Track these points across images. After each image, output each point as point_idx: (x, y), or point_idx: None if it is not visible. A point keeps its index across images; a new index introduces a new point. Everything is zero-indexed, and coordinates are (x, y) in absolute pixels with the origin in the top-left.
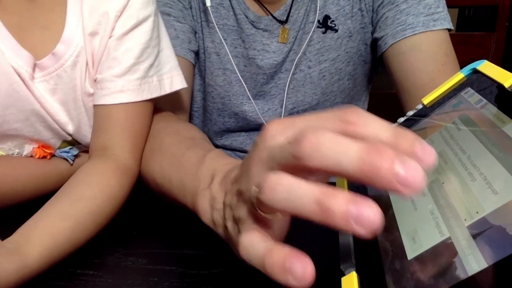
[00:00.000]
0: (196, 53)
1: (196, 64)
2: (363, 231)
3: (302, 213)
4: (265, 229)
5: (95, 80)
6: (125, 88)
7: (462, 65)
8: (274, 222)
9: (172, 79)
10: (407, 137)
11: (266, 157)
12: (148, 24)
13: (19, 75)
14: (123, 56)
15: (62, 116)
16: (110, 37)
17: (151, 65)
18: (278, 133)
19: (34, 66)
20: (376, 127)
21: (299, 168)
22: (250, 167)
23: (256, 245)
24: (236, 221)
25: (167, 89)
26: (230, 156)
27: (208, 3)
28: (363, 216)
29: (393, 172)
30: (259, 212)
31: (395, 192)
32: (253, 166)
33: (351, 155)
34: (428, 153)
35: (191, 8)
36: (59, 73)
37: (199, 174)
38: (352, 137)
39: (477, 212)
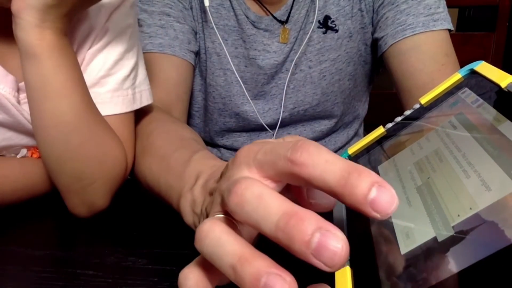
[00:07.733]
0: (196, 54)
1: (197, 64)
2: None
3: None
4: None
5: None
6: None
7: (462, 65)
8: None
9: (142, 94)
10: (361, 181)
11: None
12: (126, 34)
13: (8, 100)
14: (91, 68)
15: None
16: (89, 49)
17: (127, 77)
18: (243, 163)
19: (18, 89)
20: (326, 169)
21: None
22: (217, 190)
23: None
24: None
25: (138, 104)
26: (230, 156)
27: (206, 3)
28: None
29: (308, 245)
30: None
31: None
32: (217, 191)
33: (270, 221)
34: (386, 199)
35: (191, 8)
36: None
37: (184, 176)
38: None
39: (471, 208)
